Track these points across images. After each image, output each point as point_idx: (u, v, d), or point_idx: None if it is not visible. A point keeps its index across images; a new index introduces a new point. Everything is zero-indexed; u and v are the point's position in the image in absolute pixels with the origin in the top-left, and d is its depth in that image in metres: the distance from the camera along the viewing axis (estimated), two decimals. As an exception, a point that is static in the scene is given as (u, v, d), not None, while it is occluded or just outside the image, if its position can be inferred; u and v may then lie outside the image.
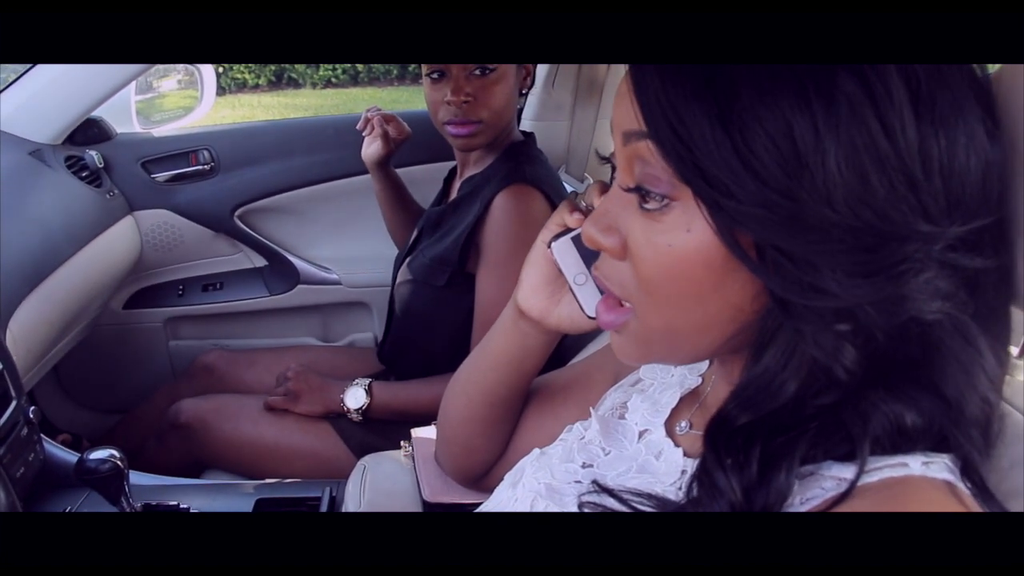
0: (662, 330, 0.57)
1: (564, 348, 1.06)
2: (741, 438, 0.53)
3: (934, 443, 0.52)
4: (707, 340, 0.57)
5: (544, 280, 0.80)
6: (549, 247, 0.76)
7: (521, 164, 1.45)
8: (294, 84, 8.51)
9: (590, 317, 0.76)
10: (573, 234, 0.75)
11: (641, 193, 0.54)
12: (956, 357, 0.51)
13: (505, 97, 1.43)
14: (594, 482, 0.64)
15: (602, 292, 0.72)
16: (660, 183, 0.53)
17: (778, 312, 0.52)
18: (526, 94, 1.52)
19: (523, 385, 0.90)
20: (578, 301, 0.76)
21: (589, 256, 0.74)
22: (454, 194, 1.59)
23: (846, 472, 0.50)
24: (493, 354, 0.89)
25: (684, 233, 0.52)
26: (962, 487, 0.50)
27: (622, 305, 0.60)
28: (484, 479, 0.97)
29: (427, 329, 1.54)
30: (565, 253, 0.76)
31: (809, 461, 0.52)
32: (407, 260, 1.57)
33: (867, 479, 0.50)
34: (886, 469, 0.50)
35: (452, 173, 1.69)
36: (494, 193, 1.40)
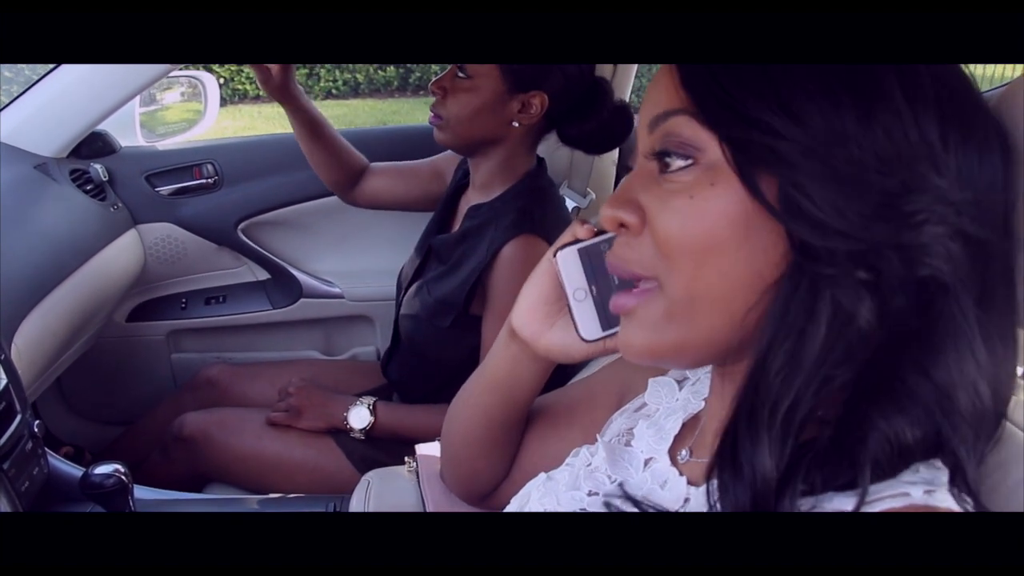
0: (683, 303, 0.57)
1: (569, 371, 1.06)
2: (782, 426, 0.52)
3: (930, 448, 0.52)
4: (725, 317, 0.56)
5: (542, 299, 0.79)
6: (554, 257, 0.75)
7: (531, 207, 1.42)
8: (295, 95, 8.50)
9: (584, 339, 0.75)
10: (580, 246, 0.74)
11: (664, 158, 0.56)
12: (951, 336, 0.52)
13: (470, 107, 1.41)
14: (620, 485, 0.65)
15: (599, 313, 0.72)
16: (682, 145, 0.55)
17: (801, 263, 0.52)
18: (522, 127, 1.43)
19: (518, 411, 0.89)
20: (573, 318, 0.75)
21: (592, 272, 0.73)
22: (459, 219, 1.56)
23: (847, 504, 0.50)
24: (486, 377, 0.88)
25: (708, 187, 0.54)
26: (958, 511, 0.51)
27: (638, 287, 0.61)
28: (489, 498, 0.96)
29: (431, 362, 1.53)
30: (569, 264, 0.74)
31: (810, 491, 0.52)
32: (412, 287, 1.55)
33: (869, 511, 0.50)
34: (888, 500, 0.50)
35: (458, 188, 1.64)
36: (503, 241, 1.37)
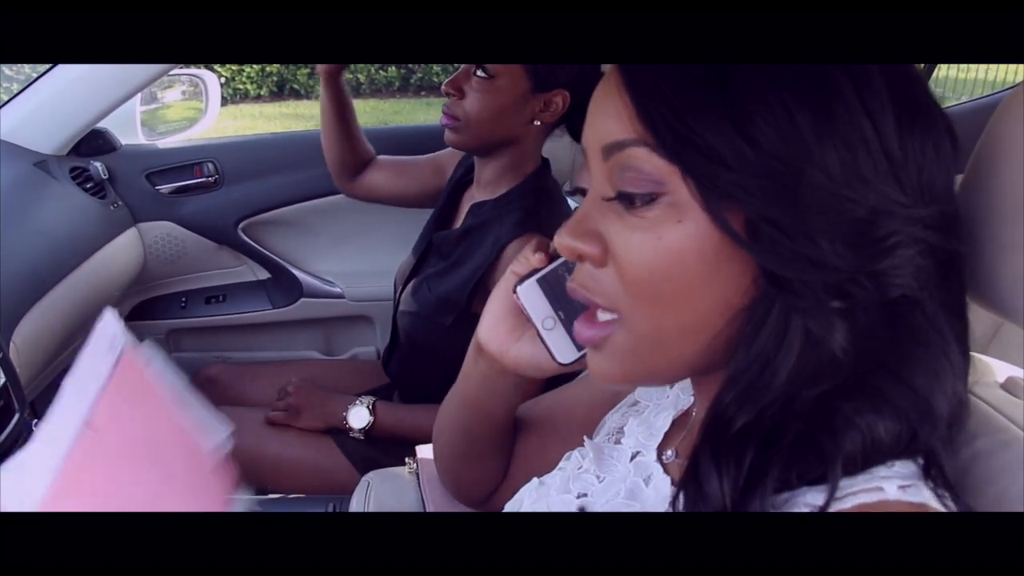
0: (650, 338, 0.56)
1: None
2: (737, 444, 0.53)
3: (905, 446, 0.52)
4: (695, 345, 0.56)
5: (507, 312, 0.78)
6: (515, 292, 0.73)
7: (536, 207, 1.40)
8: (296, 95, 8.51)
9: (561, 364, 0.72)
10: (538, 276, 0.72)
11: (623, 199, 0.54)
12: (923, 346, 0.52)
13: (489, 108, 1.38)
14: (581, 509, 0.65)
15: (572, 336, 0.68)
16: (644, 182, 0.53)
17: (772, 292, 0.52)
18: (541, 125, 1.43)
19: (498, 425, 0.87)
20: (548, 348, 0.72)
21: (556, 298, 0.71)
22: (462, 215, 1.55)
23: (820, 499, 0.50)
24: (461, 393, 0.87)
25: (675, 224, 0.52)
26: (938, 507, 0.50)
27: (599, 319, 0.59)
28: (488, 501, 0.96)
29: (431, 359, 1.51)
30: (531, 297, 0.72)
31: (785, 487, 0.52)
32: (411, 284, 1.54)
33: (840, 506, 0.50)
34: (861, 494, 0.50)
35: (461, 184, 1.62)
36: (507, 240, 1.36)
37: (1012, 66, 7.16)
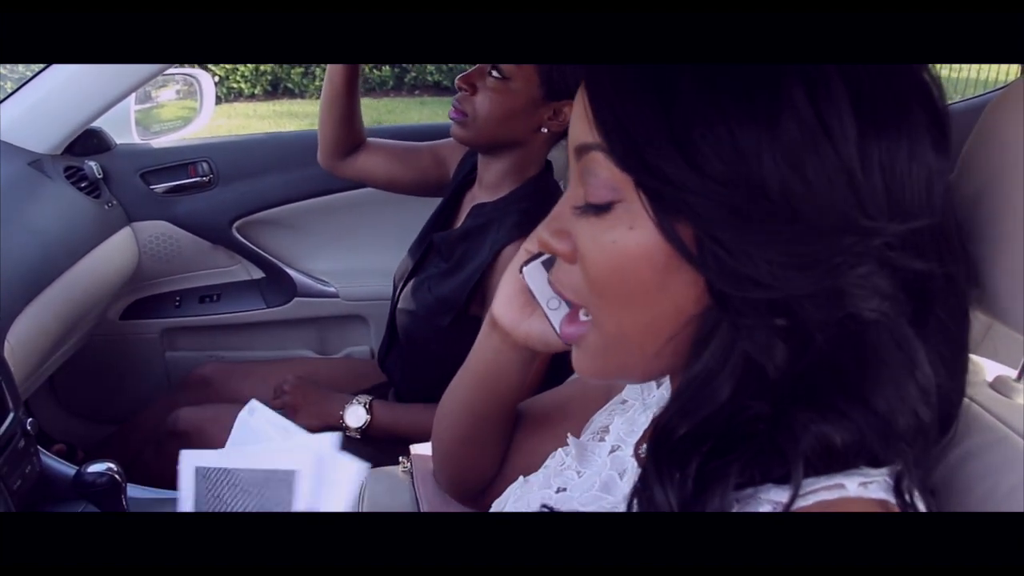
0: (616, 336, 0.58)
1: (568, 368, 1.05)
2: (679, 453, 0.53)
3: (870, 458, 0.52)
4: (655, 346, 0.57)
5: (520, 290, 0.79)
6: (521, 272, 0.75)
7: (535, 209, 1.39)
8: (290, 94, 8.48)
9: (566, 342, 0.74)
10: (544, 258, 0.74)
11: (588, 209, 0.56)
12: (888, 365, 0.51)
13: (499, 109, 1.38)
14: (543, 505, 0.65)
15: None
16: (602, 190, 0.55)
17: (715, 307, 0.53)
18: (548, 133, 1.43)
19: (504, 405, 0.89)
20: (552, 325, 0.74)
21: None
22: (462, 216, 1.55)
23: (783, 496, 0.50)
24: (471, 371, 0.88)
25: (627, 230, 0.54)
26: (896, 503, 0.51)
27: (581, 319, 0.62)
28: (482, 497, 0.96)
29: (429, 358, 1.52)
30: (536, 278, 0.74)
31: (748, 483, 0.52)
32: (411, 283, 1.54)
33: (802, 503, 0.50)
34: (822, 492, 0.50)
35: (463, 184, 1.62)
36: (505, 242, 1.36)
37: (1004, 66, 7.18)
